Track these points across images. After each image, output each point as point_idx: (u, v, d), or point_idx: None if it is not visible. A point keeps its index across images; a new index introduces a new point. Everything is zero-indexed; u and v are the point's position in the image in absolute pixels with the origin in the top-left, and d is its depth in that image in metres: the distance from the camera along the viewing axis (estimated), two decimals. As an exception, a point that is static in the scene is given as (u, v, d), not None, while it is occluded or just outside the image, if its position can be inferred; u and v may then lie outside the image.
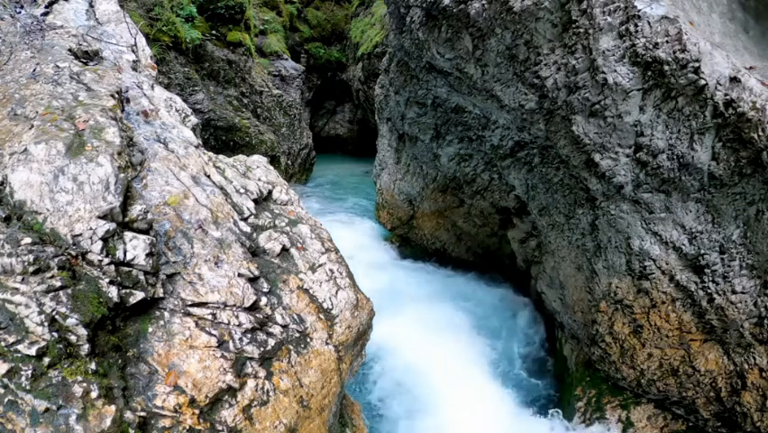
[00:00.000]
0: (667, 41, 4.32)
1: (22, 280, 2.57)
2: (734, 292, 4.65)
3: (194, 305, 3.20)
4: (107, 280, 2.82)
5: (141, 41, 5.40)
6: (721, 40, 4.85)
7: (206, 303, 3.25)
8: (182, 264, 3.33)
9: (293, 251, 4.02)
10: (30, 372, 2.41)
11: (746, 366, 4.68)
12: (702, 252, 4.80)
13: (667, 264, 5.07)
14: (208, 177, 4.06)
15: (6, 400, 2.33)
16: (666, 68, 4.34)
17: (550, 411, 6.60)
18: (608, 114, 4.79)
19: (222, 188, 4.05)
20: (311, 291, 3.85)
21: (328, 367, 3.62)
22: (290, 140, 16.19)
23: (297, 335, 3.55)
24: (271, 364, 3.30)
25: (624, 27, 4.49)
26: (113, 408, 2.53)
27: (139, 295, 2.94)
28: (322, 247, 4.21)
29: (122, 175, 3.11)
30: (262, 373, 3.20)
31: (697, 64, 4.24)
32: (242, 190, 4.20)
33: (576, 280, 6.39)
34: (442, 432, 6.13)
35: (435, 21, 6.39)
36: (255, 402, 3.08)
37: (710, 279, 4.78)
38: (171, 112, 4.59)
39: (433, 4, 6.18)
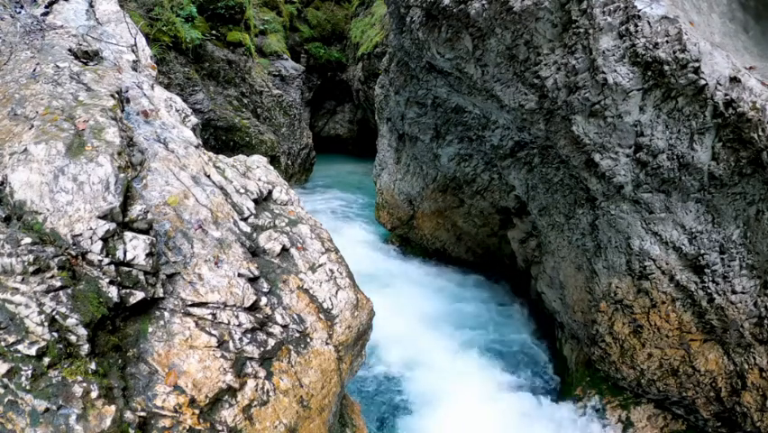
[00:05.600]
0: (667, 41, 4.32)
1: (22, 280, 2.57)
2: (734, 292, 4.65)
3: (194, 305, 3.20)
4: (107, 280, 2.81)
5: (141, 41, 5.39)
6: (721, 40, 4.85)
7: (206, 303, 3.25)
8: (182, 264, 3.33)
9: (293, 251, 4.02)
10: (30, 372, 2.41)
11: (746, 366, 4.68)
12: (702, 252, 4.80)
13: (667, 264, 5.07)
14: (208, 177, 4.06)
15: (6, 400, 2.33)
16: (666, 68, 4.34)
17: (549, 412, 6.59)
18: (607, 114, 4.79)
19: (222, 188, 4.05)
20: (311, 291, 3.85)
21: (328, 367, 3.61)
22: (290, 140, 16.18)
23: (297, 335, 3.55)
24: (271, 364, 3.29)
25: (624, 27, 4.49)
26: (113, 408, 2.53)
27: (139, 295, 2.94)
28: (322, 247, 4.21)
29: (122, 175, 3.11)
30: (262, 373, 3.20)
31: (697, 64, 4.24)
32: (242, 190, 4.20)
33: (576, 280, 6.39)
34: (437, 430, 6.13)
35: (435, 21, 6.38)
36: (255, 402, 3.07)
37: (710, 279, 4.78)
38: (171, 112, 4.59)
39: (433, 4, 6.18)
